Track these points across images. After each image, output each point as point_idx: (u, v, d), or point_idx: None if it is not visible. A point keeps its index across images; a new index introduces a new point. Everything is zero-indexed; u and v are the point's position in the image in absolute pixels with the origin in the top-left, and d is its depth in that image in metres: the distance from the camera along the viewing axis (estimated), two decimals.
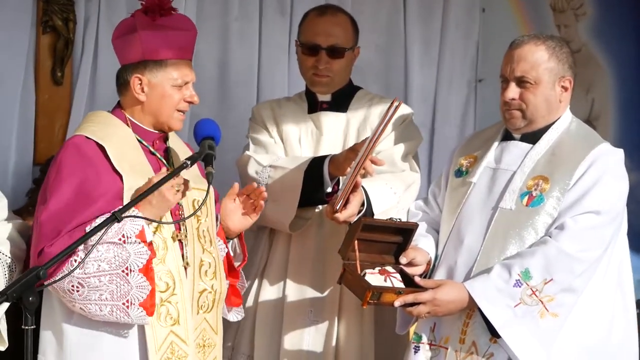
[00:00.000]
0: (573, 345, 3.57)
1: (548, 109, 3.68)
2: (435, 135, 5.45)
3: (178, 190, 3.38)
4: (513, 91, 3.66)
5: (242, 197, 3.75)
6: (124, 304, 3.33)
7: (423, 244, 3.82)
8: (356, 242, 3.62)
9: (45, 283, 3.18)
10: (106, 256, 3.32)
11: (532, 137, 3.72)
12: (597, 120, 5.40)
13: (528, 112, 3.67)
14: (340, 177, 4.01)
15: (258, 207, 3.73)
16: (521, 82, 3.65)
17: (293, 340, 4.12)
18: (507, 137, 3.79)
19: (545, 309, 3.52)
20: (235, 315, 3.86)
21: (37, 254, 3.35)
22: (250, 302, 4.21)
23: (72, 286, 3.31)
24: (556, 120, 3.72)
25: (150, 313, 3.37)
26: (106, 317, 3.36)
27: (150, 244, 3.37)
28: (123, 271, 3.31)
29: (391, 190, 4.00)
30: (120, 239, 3.32)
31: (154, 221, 3.44)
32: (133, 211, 3.36)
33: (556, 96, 3.68)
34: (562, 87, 3.68)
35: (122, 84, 3.58)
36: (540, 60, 3.63)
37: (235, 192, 3.75)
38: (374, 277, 3.61)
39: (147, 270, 3.35)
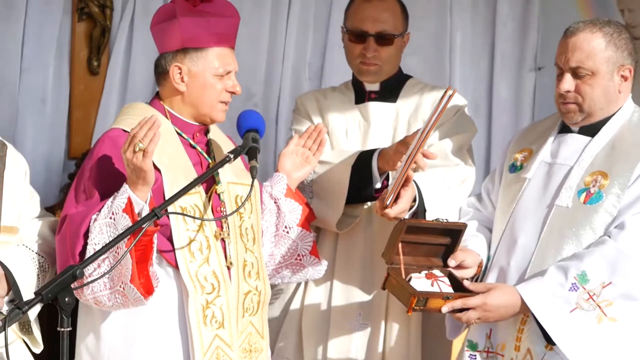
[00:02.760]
0: None
1: (607, 100, 3.62)
2: (492, 127, 5.44)
3: (139, 150, 3.26)
4: (568, 83, 3.60)
5: (300, 146, 3.87)
6: (120, 286, 3.31)
7: (473, 244, 3.78)
8: (400, 244, 3.60)
9: (79, 285, 3.20)
10: (100, 239, 3.30)
11: (591, 130, 3.67)
12: None
13: (585, 105, 3.61)
14: (390, 172, 3.99)
15: (321, 144, 3.85)
16: (577, 73, 3.59)
17: (341, 345, 4.13)
18: (565, 129, 3.74)
19: (603, 313, 3.47)
20: (316, 272, 3.90)
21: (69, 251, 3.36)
22: (296, 304, 4.21)
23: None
24: (617, 112, 3.66)
25: (144, 292, 3.31)
26: (114, 305, 3.35)
27: (140, 217, 3.28)
28: (116, 252, 3.28)
29: (445, 185, 3.98)
30: (111, 217, 3.30)
31: (195, 217, 3.46)
32: (176, 207, 3.37)
33: (615, 87, 3.62)
34: (622, 76, 3.62)
35: (160, 73, 3.58)
36: (597, 49, 3.57)
37: (295, 145, 3.85)
38: (420, 282, 3.58)
39: (137, 245, 3.26)
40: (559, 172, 3.67)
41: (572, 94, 3.61)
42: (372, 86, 4.23)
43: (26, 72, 4.96)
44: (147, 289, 3.33)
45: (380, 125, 4.20)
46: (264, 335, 3.66)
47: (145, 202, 3.32)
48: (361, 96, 4.25)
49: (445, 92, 3.67)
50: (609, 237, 3.51)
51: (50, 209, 4.46)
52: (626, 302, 3.48)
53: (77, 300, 3.28)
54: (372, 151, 4.02)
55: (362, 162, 4.00)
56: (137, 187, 3.31)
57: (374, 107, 4.22)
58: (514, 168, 3.81)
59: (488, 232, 3.83)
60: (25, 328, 3.58)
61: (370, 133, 4.19)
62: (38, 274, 3.56)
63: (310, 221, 3.86)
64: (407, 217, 3.77)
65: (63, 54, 5.01)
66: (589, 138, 3.66)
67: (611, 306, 3.47)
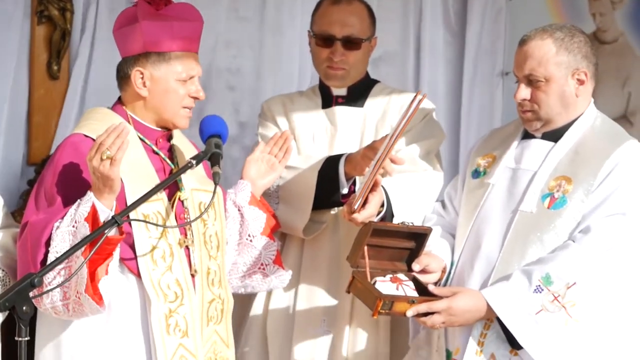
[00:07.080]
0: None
1: (564, 105, 3.66)
2: (461, 132, 5.44)
3: (107, 158, 3.25)
4: (523, 91, 3.65)
5: (265, 153, 3.89)
6: (76, 295, 3.29)
7: (437, 249, 3.81)
8: (366, 248, 3.62)
9: (38, 293, 3.19)
10: (62, 247, 3.29)
11: (554, 135, 3.71)
12: (635, 115, 5.31)
13: (542, 112, 3.66)
14: (357, 178, 4.01)
15: (287, 151, 3.90)
16: (530, 80, 3.64)
17: (305, 351, 4.13)
18: (528, 135, 3.77)
19: (569, 315, 3.51)
20: (280, 281, 3.90)
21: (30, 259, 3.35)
22: (259, 309, 4.21)
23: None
24: (579, 117, 3.71)
25: (99, 300, 3.28)
26: (73, 315, 3.34)
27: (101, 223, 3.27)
28: (75, 261, 3.25)
29: (412, 190, 3.99)
30: (74, 226, 3.30)
31: (157, 225, 3.46)
32: (138, 214, 3.37)
33: (571, 91, 3.65)
34: (578, 80, 3.66)
35: (122, 77, 3.58)
36: (548, 55, 3.61)
37: (260, 152, 3.88)
38: (385, 285, 3.60)
39: (98, 253, 3.24)
40: (523, 178, 3.71)
41: (528, 102, 3.66)
42: (339, 91, 4.25)
43: None
44: (99, 297, 3.30)
45: (348, 130, 4.22)
46: (229, 344, 3.66)
47: (111, 210, 3.32)
48: (328, 101, 4.27)
49: (415, 96, 3.68)
50: (574, 241, 3.56)
51: None
52: (591, 302, 3.51)
53: (35, 309, 3.25)
54: (339, 156, 4.04)
55: (329, 167, 4.02)
56: (102, 195, 3.30)
57: (341, 111, 4.24)
58: (477, 174, 3.85)
59: (451, 238, 3.87)
60: None
61: (337, 138, 4.21)
62: None
63: (274, 230, 3.88)
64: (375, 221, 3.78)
65: (22, 57, 4.99)
66: (553, 143, 3.71)
67: (574, 307, 3.51)
